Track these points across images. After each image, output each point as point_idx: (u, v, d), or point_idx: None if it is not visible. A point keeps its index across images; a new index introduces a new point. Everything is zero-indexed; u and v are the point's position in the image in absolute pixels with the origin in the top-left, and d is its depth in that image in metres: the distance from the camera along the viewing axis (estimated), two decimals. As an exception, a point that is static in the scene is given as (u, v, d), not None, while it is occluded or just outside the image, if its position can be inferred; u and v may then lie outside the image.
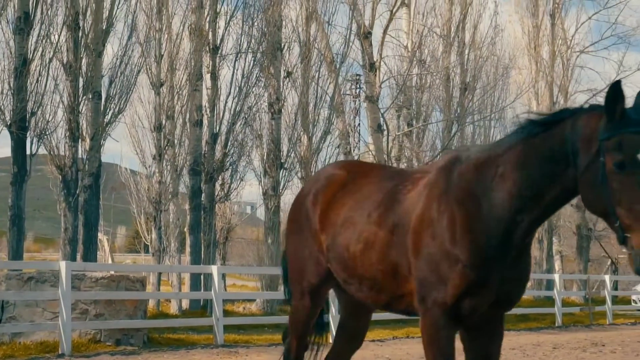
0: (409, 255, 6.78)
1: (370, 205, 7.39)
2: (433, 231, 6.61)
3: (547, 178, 6.28)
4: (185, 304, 30.69)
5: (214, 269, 21.76)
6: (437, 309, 6.58)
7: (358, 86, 48.20)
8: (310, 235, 8.01)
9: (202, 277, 30.86)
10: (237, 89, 32.63)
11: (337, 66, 35.03)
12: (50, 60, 26.87)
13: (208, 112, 32.56)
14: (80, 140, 27.71)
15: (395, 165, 36.80)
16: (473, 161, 6.69)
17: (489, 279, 6.44)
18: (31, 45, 26.10)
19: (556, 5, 47.94)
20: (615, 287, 44.35)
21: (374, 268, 7.19)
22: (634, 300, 44.02)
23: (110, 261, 31.67)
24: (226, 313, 26.05)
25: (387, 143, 35.98)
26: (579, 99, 49.16)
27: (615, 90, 5.91)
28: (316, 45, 34.57)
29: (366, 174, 7.89)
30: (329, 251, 7.74)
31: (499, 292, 6.53)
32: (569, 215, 48.43)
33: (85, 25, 27.80)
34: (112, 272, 20.27)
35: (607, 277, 36.14)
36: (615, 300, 41.64)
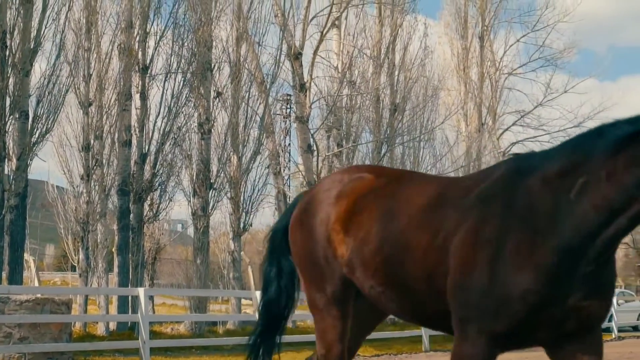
0: (455, 272, 6.26)
1: (413, 209, 6.85)
2: (492, 252, 6.07)
3: None
4: (112, 324, 30.42)
5: (141, 292, 21.64)
6: (484, 339, 6.08)
7: (288, 106, 48.31)
8: (324, 238, 7.38)
9: (129, 297, 30.63)
10: (167, 109, 32.48)
11: (268, 86, 35.14)
12: (-23, 79, 26.56)
13: (137, 132, 32.36)
14: (6, 160, 27.39)
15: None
16: (542, 173, 6.15)
17: (554, 304, 5.97)
18: (-43, 63, 25.78)
19: (485, 27, 48.56)
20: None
21: (414, 276, 6.67)
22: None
23: (36, 282, 31.34)
24: (154, 334, 25.93)
25: (317, 163, 36.17)
26: (507, 120, 49.85)
27: None
28: (247, 65, 34.62)
29: (399, 179, 7.38)
30: (352, 255, 7.15)
31: (581, 309, 6.01)
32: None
33: (13, 44, 27.47)
34: (38, 295, 20.05)
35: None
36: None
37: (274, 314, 8.26)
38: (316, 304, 7.54)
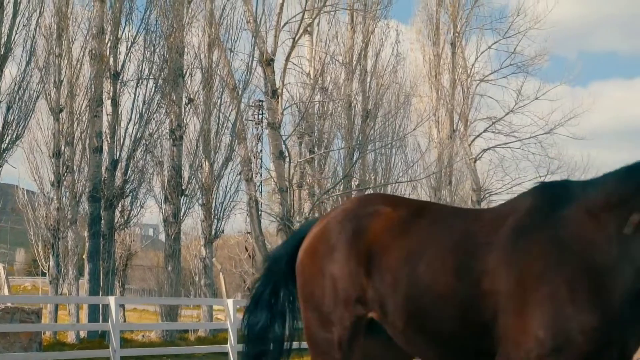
0: (510, 315, 5.98)
1: (441, 250, 6.49)
2: (548, 291, 5.85)
3: None
4: (83, 332, 30.29)
5: (112, 300, 21.52)
6: None
7: (260, 112, 48.26)
8: (345, 279, 6.90)
9: (100, 305, 30.50)
10: (138, 115, 32.47)
11: (240, 93, 35.09)
12: (-54, 86, 26.38)
13: (108, 138, 32.26)
14: (-24, 166, 27.22)
15: (297, 191, 36.98)
16: (584, 205, 5.98)
17: (616, 339, 5.81)
18: None
19: (457, 34, 48.63)
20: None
21: (455, 324, 6.33)
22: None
23: (6, 290, 31.10)
24: (125, 341, 25.81)
25: (289, 170, 36.11)
26: (478, 127, 49.97)
27: None
28: (218, 71, 34.61)
29: (420, 213, 6.91)
30: (381, 300, 6.74)
31: (631, 348, 5.92)
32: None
33: (-18, 50, 27.34)
34: (8, 304, 19.93)
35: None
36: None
37: (268, 341, 7.71)
38: (319, 345, 7.11)
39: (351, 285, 6.89)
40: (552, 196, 6.20)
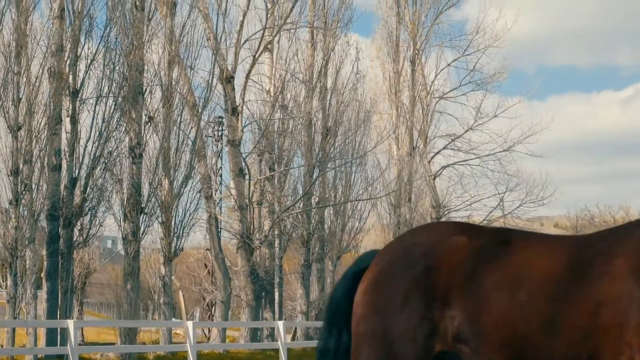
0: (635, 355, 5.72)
1: (546, 276, 6.17)
2: None
3: None
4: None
5: (70, 324, 21.39)
6: None
7: (220, 129, 48.24)
8: (416, 312, 6.43)
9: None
10: (98, 133, 32.28)
11: (200, 110, 35.09)
12: None
13: (67, 156, 32.05)
14: None
15: (257, 209, 36.98)
16: None
17: None
18: None
19: (416, 51, 48.87)
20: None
21: (558, 354, 5.99)
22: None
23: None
24: (83, 361, 25.66)
25: (249, 187, 36.17)
26: (438, 144, 50.21)
27: None
28: (178, 89, 34.55)
29: (506, 239, 6.55)
30: (462, 328, 6.32)
31: None
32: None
33: (-60, 68, 27.12)
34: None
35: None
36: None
37: None
38: None
39: (424, 319, 6.45)
40: None
